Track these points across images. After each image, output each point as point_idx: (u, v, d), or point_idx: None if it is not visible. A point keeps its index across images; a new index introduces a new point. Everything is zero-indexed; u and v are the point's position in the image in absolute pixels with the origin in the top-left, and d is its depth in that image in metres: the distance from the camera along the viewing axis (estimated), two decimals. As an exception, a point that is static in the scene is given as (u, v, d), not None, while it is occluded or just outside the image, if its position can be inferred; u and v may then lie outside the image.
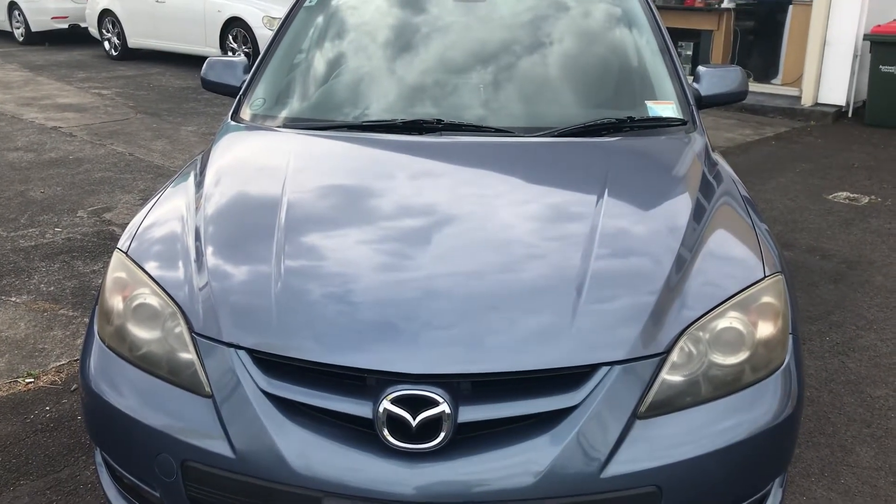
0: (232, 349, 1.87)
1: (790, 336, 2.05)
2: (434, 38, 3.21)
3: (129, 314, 2.06)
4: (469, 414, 1.75)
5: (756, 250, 2.20)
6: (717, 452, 1.83)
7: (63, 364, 3.39)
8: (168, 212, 2.42)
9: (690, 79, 3.27)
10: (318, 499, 1.76)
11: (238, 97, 3.15)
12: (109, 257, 2.31)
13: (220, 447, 1.82)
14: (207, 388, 1.87)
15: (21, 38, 13.70)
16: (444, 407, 1.73)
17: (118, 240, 2.37)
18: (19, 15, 13.57)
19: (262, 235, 2.17)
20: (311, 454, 1.76)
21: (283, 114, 3.02)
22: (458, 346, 1.81)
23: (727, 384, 1.90)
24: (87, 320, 3.63)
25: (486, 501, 1.73)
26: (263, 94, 3.11)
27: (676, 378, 1.86)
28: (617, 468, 1.75)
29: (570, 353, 1.81)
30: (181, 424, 1.88)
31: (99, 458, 2.22)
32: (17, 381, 3.26)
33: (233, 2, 10.68)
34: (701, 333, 1.91)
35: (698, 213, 2.30)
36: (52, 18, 13.33)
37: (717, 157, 2.86)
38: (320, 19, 3.39)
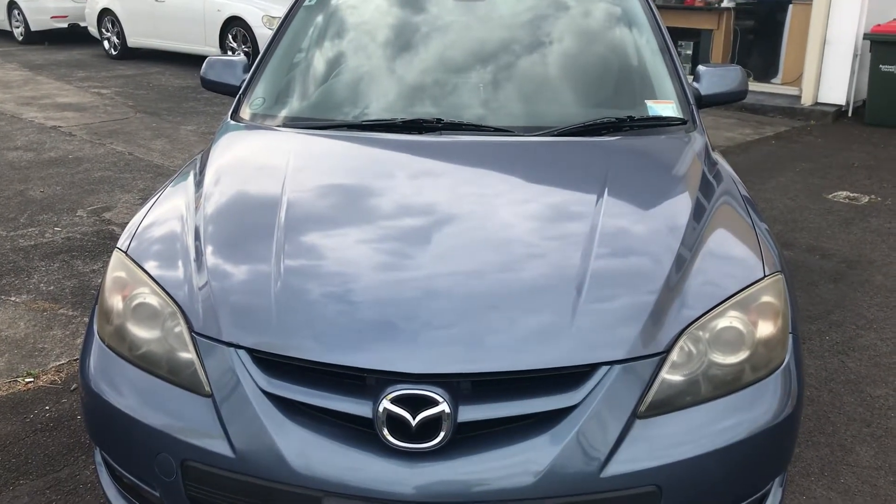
0: (232, 349, 1.87)
1: (790, 335, 2.05)
2: (434, 37, 3.21)
3: (128, 314, 2.06)
4: (469, 413, 1.75)
5: (756, 250, 2.20)
6: (717, 452, 1.83)
7: (63, 363, 3.39)
8: (168, 211, 2.42)
9: (690, 78, 3.27)
10: (317, 498, 1.76)
11: (238, 96, 3.15)
12: (109, 257, 2.31)
13: (220, 447, 1.81)
14: (207, 388, 1.87)
15: (20, 38, 13.69)
16: (443, 406, 1.73)
17: (118, 239, 2.37)
18: (19, 14, 13.57)
19: (261, 235, 2.17)
20: (310, 454, 1.76)
21: (283, 113, 3.02)
22: (458, 345, 1.81)
23: (727, 384, 1.90)
24: (86, 320, 3.63)
25: (486, 501, 1.73)
26: (263, 93, 3.11)
27: (676, 377, 1.86)
28: (617, 468, 1.75)
29: (569, 352, 1.81)
30: (181, 424, 1.88)
31: (98, 458, 2.22)
32: (16, 381, 3.26)
33: (232, 1, 10.67)
34: (701, 333, 1.91)
35: (698, 213, 2.29)
36: (52, 18, 13.33)
37: (717, 156, 2.86)
38: (320, 18, 3.39)
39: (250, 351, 1.86)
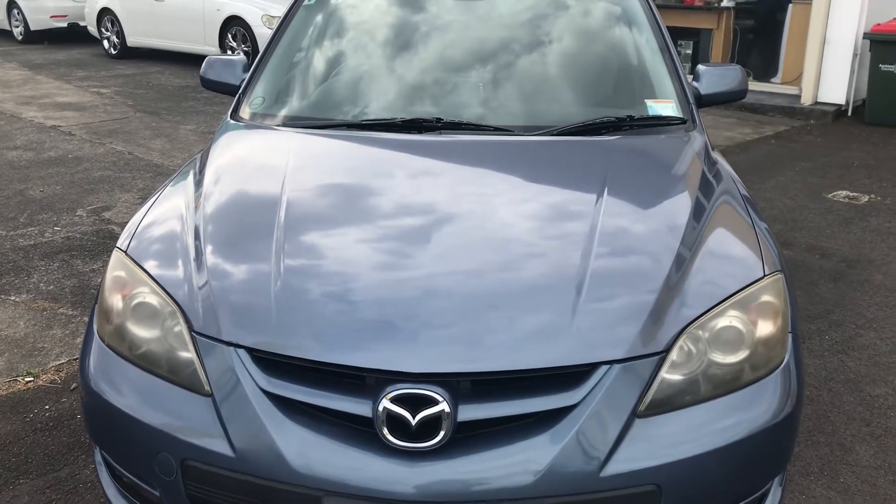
0: (231, 348, 1.87)
1: (790, 335, 2.06)
2: (433, 36, 3.21)
3: (128, 313, 2.06)
4: (468, 413, 1.75)
5: (756, 249, 2.20)
6: (717, 451, 1.83)
7: (62, 363, 3.39)
8: (167, 211, 2.42)
9: (690, 77, 3.27)
10: (317, 497, 1.76)
11: (237, 96, 3.15)
12: (109, 256, 2.31)
13: (220, 446, 1.81)
14: (207, 387, 1.87)
15: (20, 37, 13.69)
16: (443, 406, 1.73)
17: (117, 239, 2.37)
18: (18, 14, 13.56)
19: (261, 234, 2.17)
20: (310, 453, 1.76)
21: (283, 112, 3.02)
22: (458, 344, 1.81)
23: (727, 383, 1.90)
24: (86, 319, 3.63)
25: (486, 500, 1.73)
26: (263, 92, 3.11)
27: (676, 377, 1.86)
28: (616, 467, 1.75)
29: (569, 351, 1.81)
30: (181, 423, 1.88)
31: (98, 457, 2.22)
32: (16, 380, 3.26)
33: (232, 0, 10.67)
34: (700, 332, 1.91)
35: (698, 212, 2.29)
36: (51, 17, 13.33)
37: (716, 155, 2.86)
38: (319, 18, 3.39)
39: (250, 350, 1.86)
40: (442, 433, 1.73)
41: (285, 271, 2.01)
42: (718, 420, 1.87)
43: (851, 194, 5.96)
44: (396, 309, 1.90)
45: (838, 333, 3.77)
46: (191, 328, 1.94)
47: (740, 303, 1.98)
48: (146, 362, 1.99)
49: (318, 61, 3.25)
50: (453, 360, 1.78)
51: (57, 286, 4.12)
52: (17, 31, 13.75)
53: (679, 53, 3.43)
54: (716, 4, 9.50)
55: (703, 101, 3.15)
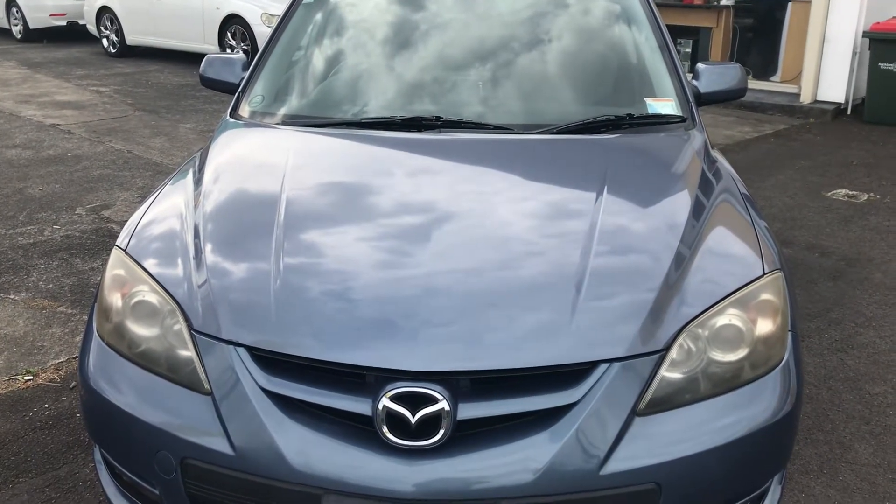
0: (231, 346, 1.87)
1: (789, 333, 2.06)
2: (433, 34, 3.21)
3: (127, 311, 2.06)
4: (468, 411, 1.75)
5: (755, 247, 2.20)
6: (717, 449, 1.83)
7: (62, 361, 3.39)
8: (167, 209, 2.42)
9: (690, 76, 3.26)
10: (317, 496, 1.76)
11: (237, 94, 3.15)
12: (108, 255, 2.31)
13: (220, 444, 1.81)
14: (207, 386, 1.87)
15: (19, 36, 13.68)
16: (443, 404, 1.73)
17: (117, 237, 2.37)
18: (17, 12, 13.55)
19: (261, 233, 2.17)
20: (310, 451, 1.76)
21: (282, 111, 3.02)
22: (458, 343, 1.81)
23: (726, 381, 1.91)
24: (85, 318, 3.63)
25: (486, 498, 1.73)
26: (262, 91, 3.11)
27: (675, 375, 1.86)
28: (616, 465, 1.75)
29: (569, 350, 1.81)
30: (180, 422, 1.88)
31: (98, 456, 2.22)
32: (15, 379, 3.26)
33: (231, -1, 10.68)
34: (700, 330, 1.91)
35: (697, 211, 2.30)
36: (51, 16, 13.32)
37: (716, 154, 2.86)
38: (319, 16, 3.39)
39: (250, 349, 1.86)
40: (442, 431, 1.73)
41: (285, 270, 2.01)
42: (718, 418, 1.87)
43: (851, 193, 5.96)
44: (396, 307, 1.90)
45: (838, 332, 3.77)
46: (190, 327, 1.94)
47: (740, 301, 1.98)
48: (146, 361, 1.99)
49: (318, 60, 3.25)
50: (453, 359, 1.78)
51: (56, 285, 4.12)
52: (17, 30, 13.74)
53: (678, 52, 3.42)
54: (715, 3, 9.50)
55: (703, 100, 3.16)
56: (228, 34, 10.75)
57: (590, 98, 3.04)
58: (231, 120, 3.01)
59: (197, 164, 2.71)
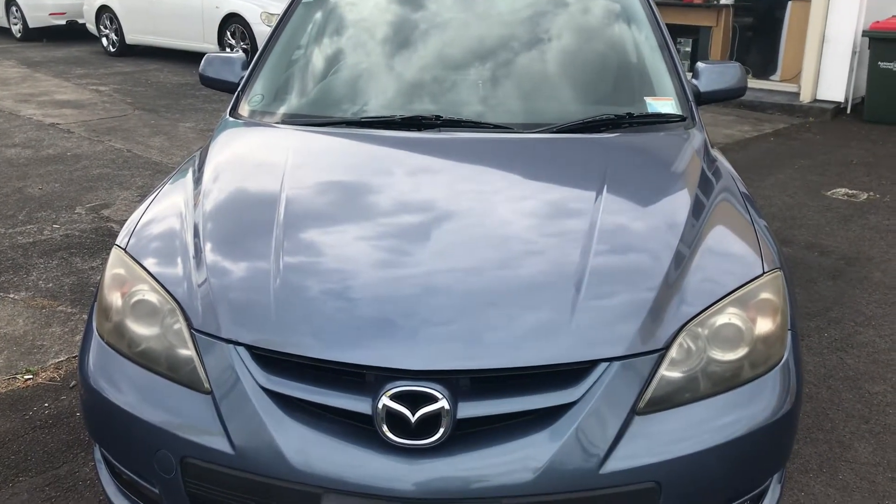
0: (231, 345, 1.87)
1: (789, 332, 2.06)
2: (432, 34, 3.21)
3: (127, 311, 2.06)
4: (468, 410, 1.75)
5: (755, 247, 2.20)
6: (716, 448, 1.83)
7: (62, 361, 3.39)
8: (166, 208, 2.42)
9: (689, 75, 3.27)
10: (317, 495, 1.76)
11: (236, 93, 3.14)
12: (108, 254, 2.31)
13: (220, 443, 1.81)
14: (206, 385, 1.87)
15: (18, 35, 13.67)
16: (443, 403, 1.73)
17: (116, 236, 2.37)
18: (17, 11, 13.55)
19: (260, 232, 2.17)
20: (310, 450, 1.76)
21: (282, 110, 3.02)
22: (457, 342, 1.81)
23: (726, 380, 1.91)
24: (85, 317, 3.63)
25: (485, 497, 1.73)
26: (262, 90, 3.11)
27: (675, 374, 1.86)
28: (616, 464, 1.75)
29: (568, 349, 1.81)
30: (180, 421, 1.88)
31: (98, 455, 2.22)
32: (15, 378, 3.26)
33: (231, -2, 10.67)
34: (700, 329, 1.91)
35: (697, 210, 2.30)
36: (50, 15, 13.31)
37: (716, 153, 2.86)
38: (318, 15, 3.39)
39: (249, 348, 1.86)
40: (441, 430, 1.73)
41: (284, 269, 2.01)
42: (718, 417, 1.87)
43: (850, 192, 5.96)
44: (396, 306, 1.90)
45: (837, 331, 3.77)
46: (190, 326, 1.94)
47: (739, 300, 1.98)
48: (145, 360, 1.99)
49: (317, 59, 3.25)
50: (453, 358, 1.78)
51: (56, 284, 4.11)
52: (16, 29, 13.73)
53: (678, 51, 3.42)
54: (715, 2, 9.50)
55: (703, 99, 3.16)
56: (228, 33, 10.75)
57: (589, 97, 3.04)
58: (231, 119, 3.01)
59: (196, 163, 2.71)
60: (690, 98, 2.99)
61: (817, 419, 3.06)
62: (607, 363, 1.81)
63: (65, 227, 4.94)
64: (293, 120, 2.93)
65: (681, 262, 2.06)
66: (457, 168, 2.59)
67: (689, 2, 9.61)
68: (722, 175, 2.64)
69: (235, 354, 1.86)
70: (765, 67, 9.57)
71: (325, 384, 1.81)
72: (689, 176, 2.51)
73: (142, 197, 4.93)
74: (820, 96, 8.82)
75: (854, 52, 8.51)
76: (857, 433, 2.98)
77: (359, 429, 1.78)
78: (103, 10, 12.15)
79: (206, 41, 10.98)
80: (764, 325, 1.98)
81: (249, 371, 1.84)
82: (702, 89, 3.16)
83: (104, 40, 12.28)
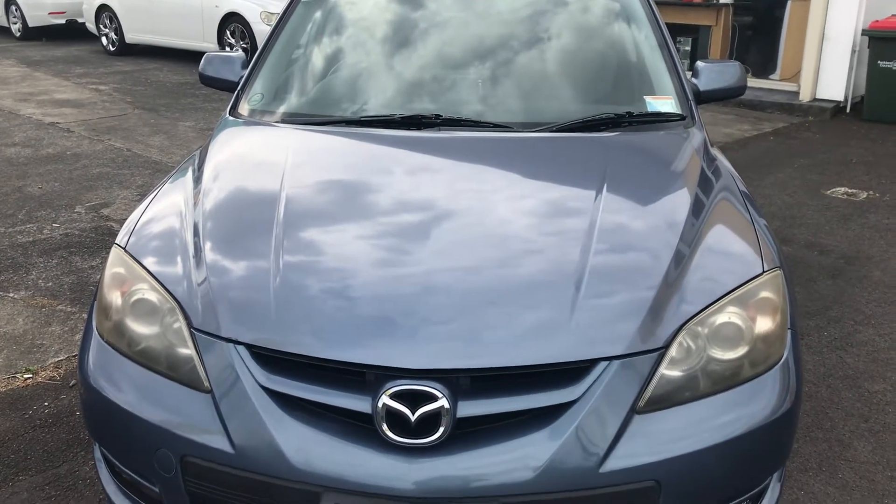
0: (231, 344, 1.87)
1: (788, 331, 2.06)
2: (432, 33, 3.21)
3: (127, 309, 2.06)
4: (468, 409, 1.75)
5: (755, 245, 2.20)
6: (716, 447, 1.83)
7: (61, 360, 3.39)
8: (166, 207, 2.42)
9: (689, 74, 3.27)
10: (317, 494, 1.76)
11: (236, 92, 3.14)
12: (107, 253, 2.31)
13: (220, 442, 1.82)
14: (206, 384, 1.87)
15: (18, 34, 13.67)
16: (443, 402, 1.73)
17: (116, 235, 2.37)
18: (16, 10, 13.54)
19: (260, 231, 2.17)
20: (310, 449, 1.76)
21: (282, 109, 3.01)
22: (457, 341, 1.81)
23: (726, 379, 1.91)
24: (85, 316, 3.63)
25: (485, 496, 1.73)
26: (261, 89, 3.11)
27: (675, 373, 1.86)
28: (616, 463, 1.76)
29: (568, 347, 1.81)
30: (180, 420, 1.88)
31: (98, 454, 2.22)
32: (15, 377, 3.26)
33: (230, -3, 10.67)
34: (699, 328, 1.91)
35: (697, 209, 2.30)
36: (50, 14, 13.31)
37: (715, 152, 2.86)
38: (318, 14, 3.39)
39: (249, 347, 1.86)
40: (441, 429, 1.73)
41: (284, 268, 2.01)
42: (717, 416, 1.87)
43: (850, 191, 5.97)
44: (395, 305, 1.90)
45: (837, 330, 3.77)
46: (190, 325, 1.94)
47: (739, 299, 1.98)
48: (145, 359, 1.99)
49: (317, 58, 3.25)
50: (453, 357, 1.78)
51: (56, 283, 4.11)
52: (16, 28, 13.73)
53: (678, 50, 3.42)
54: (714, 1, 9.50)
55: (702, 98, 3.16)
56: (228, 32, 10.75)
57: (589, 96, 3.04)
58: (230, 118, 3.01)
59: (196, 162, 2.71)
60: (690, 97, 2.99)
61: (817, 418, 3.06)
62: (607, 362, 1.81)
63: (64, 226, 4.94)
64: (293, 119, 2.93)
65: (681, 261, 2.06)
66: (456, 167, 2.59)
67: (688, 1, 9.61)
68: (722, 174, 2.64)
69: (235, 353, 1.86)
70: (764, 66, 9.57)
71: (325, 383, 1.81)
72: (689, 175, 2.51)
73: (141, 196, 4.93)
74: (819, 95, 8.83)
75: (854, 51, 8.51)
76: (856, 432, 2.98)
77: (359, 428, 1.78)
78: (103, 10, 12.15)
79: (205, 40, 10.98)
80: (764, 324, 1.98)
81: (249, 370, 1.84)
82: (701, 88, 3.16)
83: (104, 39, 12.27)
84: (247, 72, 3.22)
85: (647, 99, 2.96)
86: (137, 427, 1.93)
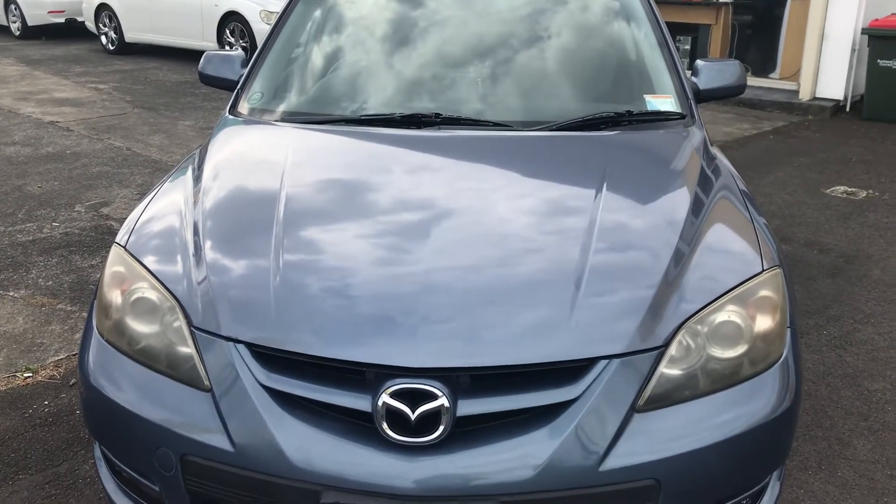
0: (231, 343, 1.87)
1: (788, 330, 2.06)
2: (432, 31, 3.21)
3: (127, 308, 2.06)
4: (468, 407, 1.76)
5: (754, 244, 2.20)
6: (716, 446, 1.84)
7: (62, 358, 3.39)
8: (166, 206, 2.42)
9: (689, 73, 3.27)
10: (317, 492, 1.76)
11: (236, 91, 3.14)
12: (107, 252, 2.31)
13: (220, 441, 1.82)
14: (206, 382, 1.87)
15: (17, 33, 13.66)
16: (442, 400, 1.73)
17: (116, 234, 2.37)
18: (15, 9, 13.53)
19: (260, 229, 2.17)
20: (310, 448, 1.76)
21: (281, 108, 3.01)
22: (457, 339, 1.81)
23: (725, 378, 1.91)
24: (85, 315, 3.63)
25: (485, 494, 1.73)
26: (261, 88, 3.11)
27: (675, 371, 1.86)
28: (615, 461, 1.76)
29: (568, 346, 1.81)
30: (180, 418, 1.88)
31: (98, 453, 2.22)
32: (15, 376, 3.26)
33: (230, -4, 10.67)
34: (699, 327, 1.92)
35: (697, 207, 2.30)
36: (49, 13, 13.30)
37: (715, 151, 2.86)
38: (318, 13, 3.39)
39: (249, 345, 1.86)
40: (441, 428, 1.73)
41: (284, 266, 2.01)
42: (717, 415, 1.87)
43: (850, 190, 5.97)
44: (395, 304, 1.90)
45: (836, 328, 3.77)
46: (190, 323, 1.94)
47: (739, 298, 1.98)
48: (145, 357, 1.99)
49: (317, 56, 3.25)
50: (452, 355, 1.78)
51: (56, 282, 4.12)
52: (15, 27, 13.72)
53: (678, 49, 3.43)
54: (714, 0, 9.50)
55: (702, 97, 3.16)
56: (227, 31, 10.74)
57: (589, 95, 3.04)
58: (230, 117, 3.01)
59: (196, 160, 2.71)
60: (690, 96, 2.99)
61: (816, 416, 3.06)
62: (607, 361, 1.81)
63: (64, 225, 4.94)
64: (293, 118, 2.93)
65: (680, 259, 2.06)
66: (456, 166, 2.59)
67: (688, 0, 9.61)
68: (721, 173, 2.64)
69: (235, 352, 1.86)
70: (764, 65, 9.57)
71: (325, 382, 1.81)
72: (689, 174, 2.51)
73: (141, 195, 4.94)
74: (819, 94, 8.83)
75: (853, 50, 8.51)
76: (856, 430, 2.98)
77: (359, 426, 1.78)
78: (102, 9, 12.14)
79: (205, 39, 10.97)
80: (763, 323, 1.98)
81: (249, 368, 1.84)
82: (701, 87, 3.16)
83: (103, 38, 12.27)
84: (246, 70, 3.22)
85: (647, 98, 2.96)
86: (137, 426, 1.93)
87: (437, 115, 2.76)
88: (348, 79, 3.13)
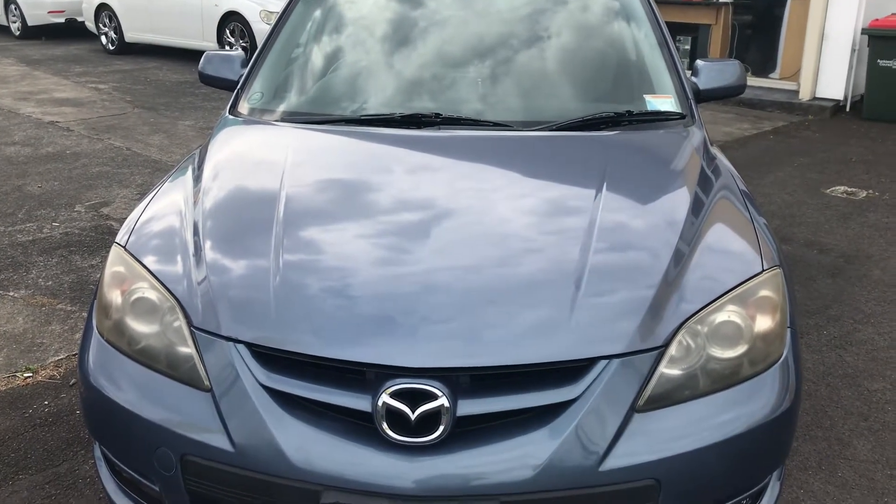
0: (231, 343, 1.87)
1: (788, 330, 2.06)
2: (432, 31, 3.21)
3: (127, 308, 2.06)
4: (468, 407, 1.76)
5: (754, 244, 2.20)
6: (716, 446, 1.84)
7: (61, 358, 3.39)
8: (166, 206, 2.42)
9: (689, 73, 3.27)
10: (317, 492, 1.76)
11: (236, 91, 3.14)
12: (107, 252, 2.31)
13: (220, 441, 1.82)
14: (206, 382, 1.87)
15: (17, 33, 13.66)
16: (442, 400, 1.73)
17: (116, 234, 2.37)
18: (15, 9, 13.53)
19: (260, 229, 2.17)
20: (310, 448, 1.76)
21: (281, 108, 3.01)
22: (457, 339, 1.81)
23: (725, 378, 1.91)
24: (85, 315, 3.63)
25: (485, 494, 1.73)
26: (261, 88, 3.11)
27: (675, 371, 1.86)
28: (615, 461, 1.76)
29: (568, 346, 1.82)
30: (180, 418, 1.88)
31: (98, 453, 2.22)
32: (15, 376, 3.26)
33: (230, -4, 10.67)
34: (699, 327, 1.92)
35: (697, 207, 2.30)
36: (49, 13, 13.30)
37: (715, 151, 2.86)
38: (318, 13, 3.39)
39: (249, 345, 1.86)
40: (441, 428, 1.73)
41: (284, 266, 2.01)
42: (717, 415, 1.87)
43: (850, 190, 5.97)
44: (395, 304, 1.90)
45: (836, 328, 3.77)
46: (190, 323, 1.94)
47: (739, 298, 1.98)
48: (145, 357, 1.99)
49: (317, 56, 3.25)
50: (452, 355, 1.78)
51: (56, 282, 4.12)
52: (15, 27, 13.72)
53: (678, 49, 3.43)
54: (714, 0, 9.50)
55: (702, 97, 3.16)
56: (227, 31, 10.74)
57: (589, 95, 3.04)
58: (230, 117, 3.01)
59: (196, 160, 2.71)
60: (690, 96, 2.99)
61: (816, 417, 3.06)
62: (607, 361, 1.81)
63: (64, 225, 4.94)
64: (293, 118, 2.93)
65: (680, 259, 2.06)
66: (456, 166, 2.59)
67: (688, 0, 9.61)
68: (721, 173, 2.64)
69: (235, 352, 1.86)
70: (764, 65, 9.57)
71: (325, 382, 1.81)
72: (689, 174, 2.51)
73: (141, 195, 4.94)
74: (819, 94, 8.83)
75: (853, 50, 8.51)
76: (856, 430, 2.98)
77: (359, 426, 1.78)
78: (102, 8, 12.14)
79: (205, 39, 10.97)
80: (763, 323, 1.98)
81: (249, 368, 1.84)
82: (701, 87, 3.16)
83: (103, 38, 12.27)
84: (246, 70, 3.22)
85: (647, 98, 2.96)
86: (137, 426, 1.93)
87: (437, 115, 2.76)
88: (348, 79, 3.13)
